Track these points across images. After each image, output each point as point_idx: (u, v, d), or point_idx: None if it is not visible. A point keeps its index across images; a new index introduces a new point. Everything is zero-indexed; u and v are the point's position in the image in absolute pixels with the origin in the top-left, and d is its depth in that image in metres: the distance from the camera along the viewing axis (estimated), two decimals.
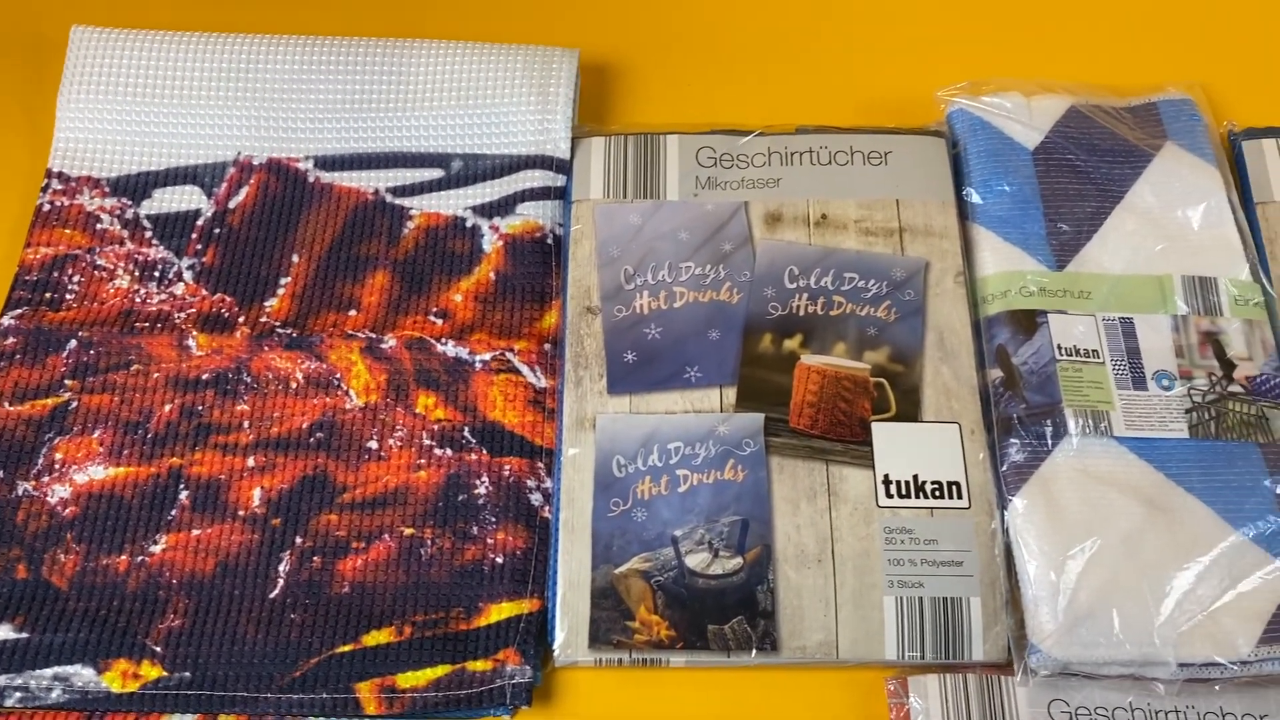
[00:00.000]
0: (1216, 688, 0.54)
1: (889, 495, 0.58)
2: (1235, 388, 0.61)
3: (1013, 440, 0.59)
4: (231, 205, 0.67)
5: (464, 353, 0.62)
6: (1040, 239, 0.65)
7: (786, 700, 0.56)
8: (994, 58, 0.74)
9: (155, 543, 0.58)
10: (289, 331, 0.63)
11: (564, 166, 0.67)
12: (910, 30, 0.76)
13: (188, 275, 0.65)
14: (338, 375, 0.62)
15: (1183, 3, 0.77)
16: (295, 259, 0.66)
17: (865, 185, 0.66)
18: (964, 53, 0.74)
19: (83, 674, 0.54)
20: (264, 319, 0.63)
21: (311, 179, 0.68)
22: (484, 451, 0.60)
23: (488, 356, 0.62)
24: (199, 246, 0.66)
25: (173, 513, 0.58)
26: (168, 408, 0.61)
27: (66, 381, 0.61)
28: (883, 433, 0.59)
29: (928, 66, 0.72)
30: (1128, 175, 0.66)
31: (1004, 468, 0.59)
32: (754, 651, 0.55)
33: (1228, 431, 0.60)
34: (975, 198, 0.66)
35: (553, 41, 0.70)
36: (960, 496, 0.58)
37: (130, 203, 0.67)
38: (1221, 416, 0.60)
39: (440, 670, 0.55)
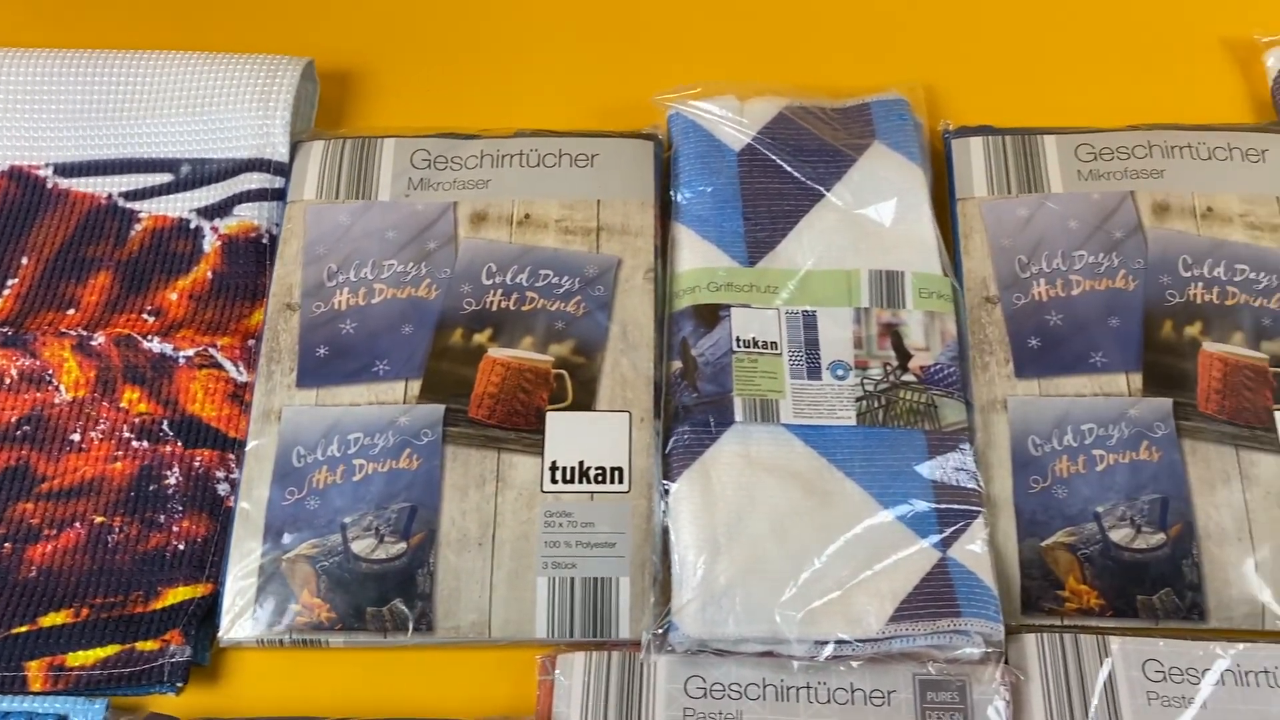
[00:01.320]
0: (844, 666, 0.56)
1: (554, 481, 0.60)
2: (908, 377, 0.63)
3: (681, 428, 0.61)
4: None
5: (169, 349, 0.65)
6: (737, 236, 0.67)
7: (444, 679, 0.58)
8: (725, 61, 0.77)
9: None
10: (6, 330, 0.66)
11: (283, 169, 0.69)
12: (641, 36, 0.79)
13: None
14: (50, 371, 0.64)
15: (914, 5, 0.80)
16: (24, 261, 0.68)
17: (569, 186, 0.68)
18: (694, 57, 0.77)
19: None
20: None
21: (50, 185, 0.71)
22: (179, 443, 0.63)
23: (191, 352, 0.65)
24: None
25: None
26: None
27: None
28: (556, 421, 0.62)
29: (659, 71, 0.75)
30: (830, 175, 0.69)
31: (670, 454, 0.61)
32: (409, 632, 0.57)
33: (895, 419, 0.62)
34: (679, 198, 0.68)
35: (306, 51, 0.73)
36: (621, 481, 0.60)
37: None
38: (891, 404, 0.62)
39: (110, 650, 0.57)
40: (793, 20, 0.79)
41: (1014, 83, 0.76)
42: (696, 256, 0.66)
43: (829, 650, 0.56)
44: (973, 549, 0.58)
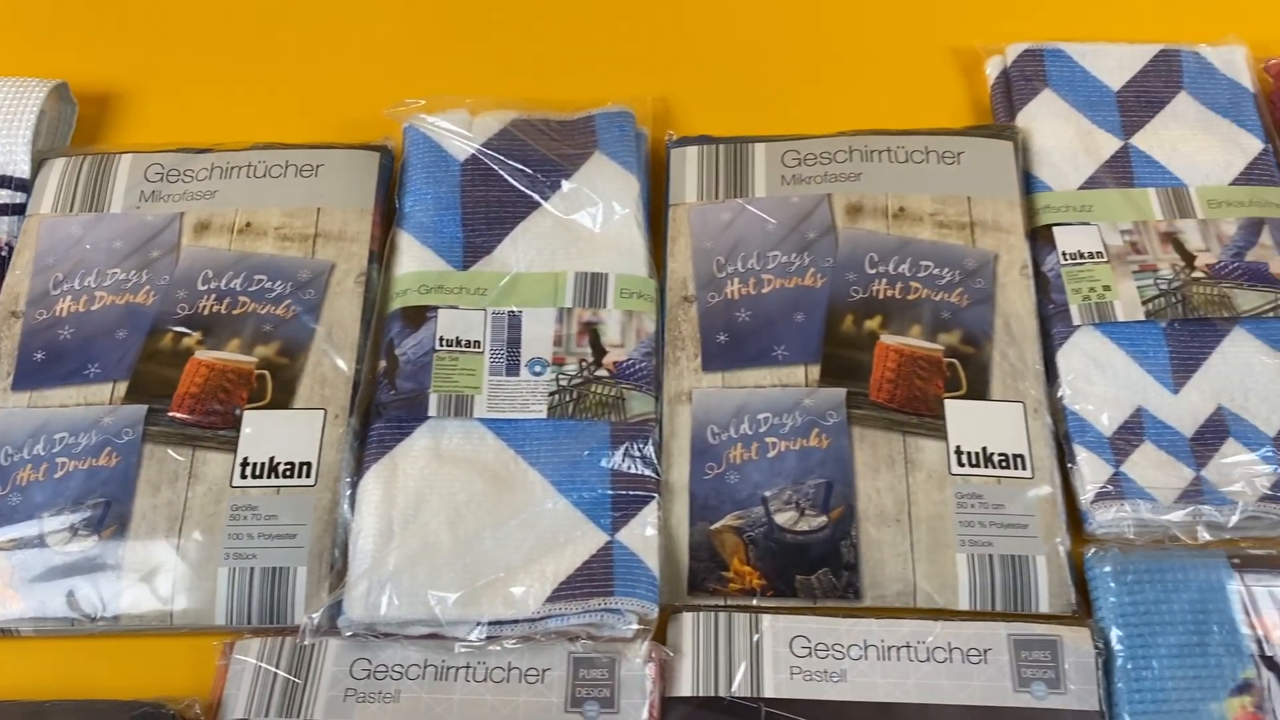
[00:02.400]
0: (502, 646, 0.58)
1: (244, 476, 0.63)
2: (602, 372, 0.66)
3: (377, 424, 0.64)
4: None
5: None
6: (454, 242, 0.70)
7: (128, 666, 0.60)
8: (469, 77, 0.81)
9: None
10: None
11: (24, 185, 0.72)
12: (384, 53, 0.82)
13: None
14: None
15: (655, 20, 0.83)
16: None
17: (292, 195, 0.71)
18: (440, 72, 0.81)
19: None
20: None
21: None
22: None
23: None
24: None
25: None
26: None
27: None
28: (252, 419, 0.64)
29: (403, 87, 0.78)
30: (548, 184, 0.72)
31: (366, 449, 0.64)
32: (96, 621, 0.60)
33: (584, 411, 0.65)
34: (403, 206, 0.71)
35: (70, 74, 0.77)
36: (309, 476, 0.63)
37: None
38: (582, 398, 0.65)
39: None
40: (542, 36, 0.83)
41: (749, 94, 0.80)
42: (413, 261, 0.69)
43: (481, 631, 0.58)
44: (641, 533, 0.61)
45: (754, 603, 0.60)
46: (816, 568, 0.61)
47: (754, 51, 0.82)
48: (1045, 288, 0.68)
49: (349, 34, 0.83)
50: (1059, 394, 0.65)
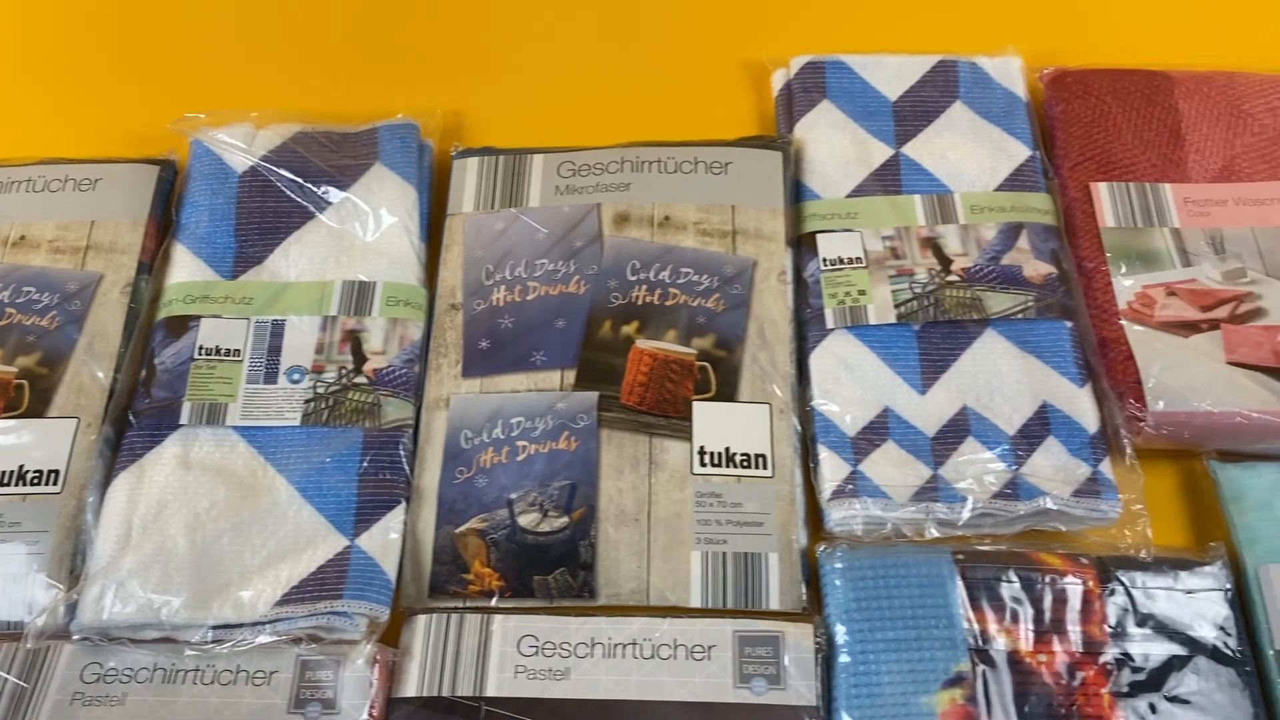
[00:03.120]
0: (229, 649, 0.58)
1: None
2: (360, 379, 0.67)
3: (131, 433, 0.65)
4: None
5: None
6: (226, 252, 0.71)
7: None
8: (265, 89, 0.82)
9: None
10: None
11: None
12: (173, 68, 0.83)
13: None
14: None
15: (453, 32, 0.85)
16: None
17: (68, 209, 0.72)
18: (236, 86, 0.82)
19: None
20: None
21: None
22: None
23: None
24: None
25: None
26: None
27: None
28: (5, 428, 0.65)
29: (193, 98, 0.79)
30: (325, 195, 0.73)
31: (119, 457, 0.64)
32: None
33: (339, 418, 0.65)
34: (180, 217, 0.72)
35: None
36: (55, 484, 0.63)
37: None
38: (337, 405, 0.66)
39: None
40: (340, 50, 0.84)
41: (545, 107, 0.81)
42: (183, 271, 0.70)
43: (207, 634, 0.58)
44: (383, 538, 0.62)
45: (493, 604, 0.61)
46: (554, 568, 0.61)
47: (552, 65, 0.83)
48: (805, 293, 0.70)
49: (144, 47, 0.84)
50: (809, 396, 0.66)
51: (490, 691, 0.57)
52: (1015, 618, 0.58)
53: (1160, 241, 0.70)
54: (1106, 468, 0.63)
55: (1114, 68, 0.76)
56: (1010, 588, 0.59)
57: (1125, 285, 0.68)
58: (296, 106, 0.79)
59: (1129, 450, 0.64)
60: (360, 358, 0.67)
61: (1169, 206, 0.71)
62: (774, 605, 0.60)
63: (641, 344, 0.67)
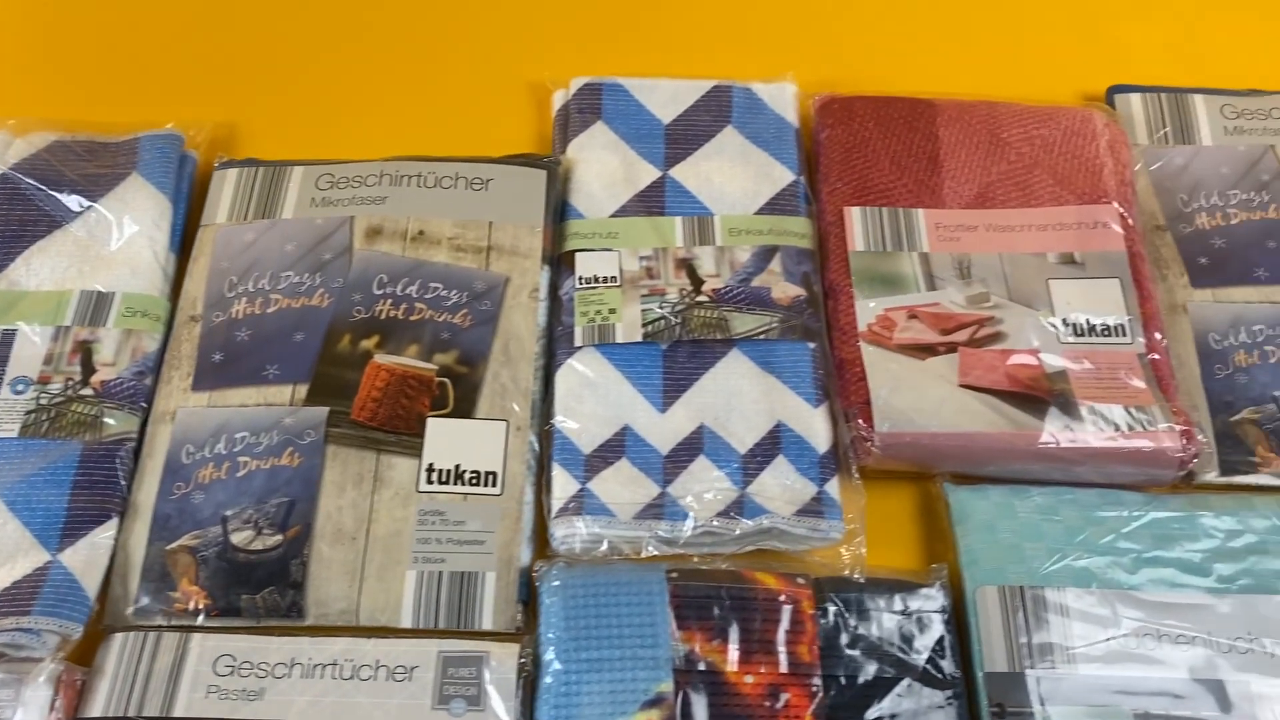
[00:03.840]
0: None
1: None
2: (86, 390, 0.65)
3: None
4: None
5: None
6: None
7: None
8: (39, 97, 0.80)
9: None
10: None
11: None
12: None
13: None
14: None
15: (232, 44, 0.84)
16: None
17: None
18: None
19: None
20: None
21: None
22: None
23: None
24: None
25: None
26: None
27: None
28: None
29: None
30: (75, 204, 0.71)
31: None
32: None
33: (58, 430, 0.63)
34: None
35: None
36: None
37: None
38: (59, 417, 0.64)
39: None
40: (113, 58, 0.83)
41: (328, 121, 0.80)
42: None
43: None
44: (87, 552, 0.60)
45: (198, 622, 0.59)
46: (263, 587, 0.60)
47: (338, 80, 0.82)
48: (559, 311, 0.69)
49: None
50: (552, 413, 0.66)
51: (178, 712, 0.55)
52: (724, 637, 0.58)
53: (908, 266, 0.70)
54: (833, 488, 0.63)
55: (882, 95, 0.77)
56: (721, 606, 0.58)
57: (868, 307, 0.68)
58: (65, 115, 0.77)
59: (854, 471, 0.64)
60: (89, 369, 0.65)
61: (920, 231, 0.71)
62: (487, 625, 0.59)
63: (380, 359, 0.66)
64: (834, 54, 0.84)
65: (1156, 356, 0.67)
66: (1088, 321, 0.68)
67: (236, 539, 0.61)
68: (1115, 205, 0.72)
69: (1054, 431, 0.63)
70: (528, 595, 0.61)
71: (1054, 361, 0.66)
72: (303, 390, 0.65)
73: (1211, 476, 0.66)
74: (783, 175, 0.75)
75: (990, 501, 0.63)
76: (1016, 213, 0.72)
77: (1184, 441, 0.63)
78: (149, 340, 0.67)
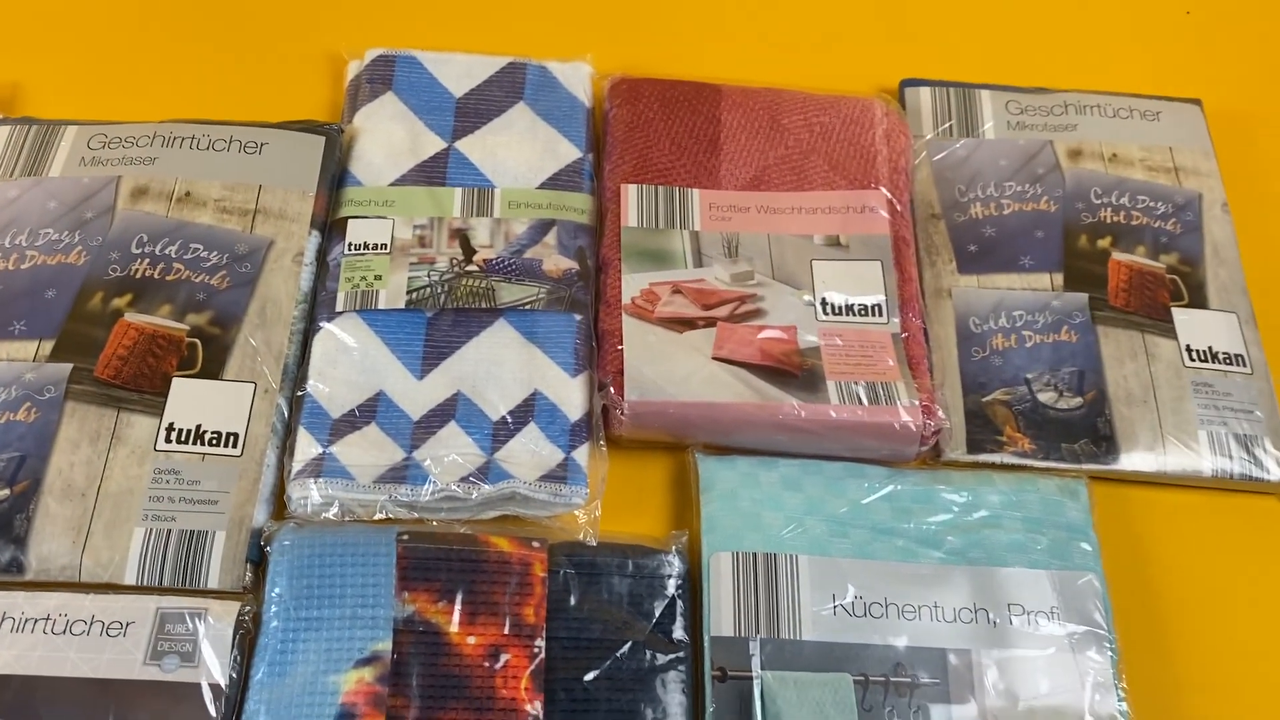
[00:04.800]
0: None
1: None
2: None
3: None
4: None
5: None
6: None
7: None
8: None
9: None
10: None
11: None
12: None
13: None
14: None
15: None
16: None
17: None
18: None
19: None
20: None
21: None
22: None
23: None
24: None
25: None
26: None
27: None
28: None
29: None
30: None
31: None
32: None
33: None
34: None
35: None
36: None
37: None
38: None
39: None
40: None
41: (121, 84, 0.79)
42: None
43: None
44: None
45: None
46: None
47: (133, 42, 0.81)
48: (325, 276, 0.69)
49: None
50: (305, 377, 0.65)
51: None
52: (450, 598, 0.58)
53: (678, 243, 0.71)
54: (581, 455, 0.64)
55: (671, 79, 0.78)
56: (450, 568, 0.58)
57: (634, 281, 0.69)
58: None
59: (602, 440, 0.64)
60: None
61: (693, 210, 0.72)
62: (214, 584, 0.59)
63: (130, 317, 0.65)
64: (638, 38, 0.85)
65: (909, 336, 0.68)
66: (845, 301, 0.69)
67: None
68: (884, 191, 0.73)
69: (797, 404, 0.64)
70: (260, 558, 0.60)
71: (808, 338, 0.67)
72: (48, 346, 0.64)
73: (959, 454, 0.67)
74: (569, 152, 0.75)
75: (736, 471, 0.64)
76: (787, 196, 0.73)
77: (924, 418, 0.65)
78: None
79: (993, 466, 0.67)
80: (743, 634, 0.58)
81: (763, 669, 0.58)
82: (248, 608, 0.57)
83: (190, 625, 0.56)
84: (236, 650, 0.56)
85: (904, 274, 0.71)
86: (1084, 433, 0.68)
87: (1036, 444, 0.67)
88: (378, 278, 0.68)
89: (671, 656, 0.58)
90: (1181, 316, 0.72)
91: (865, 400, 0.65)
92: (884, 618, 0.60)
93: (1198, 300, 0.73)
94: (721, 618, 0.59)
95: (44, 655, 0.55)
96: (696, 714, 0.57)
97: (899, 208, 0.73)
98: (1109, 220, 0.76)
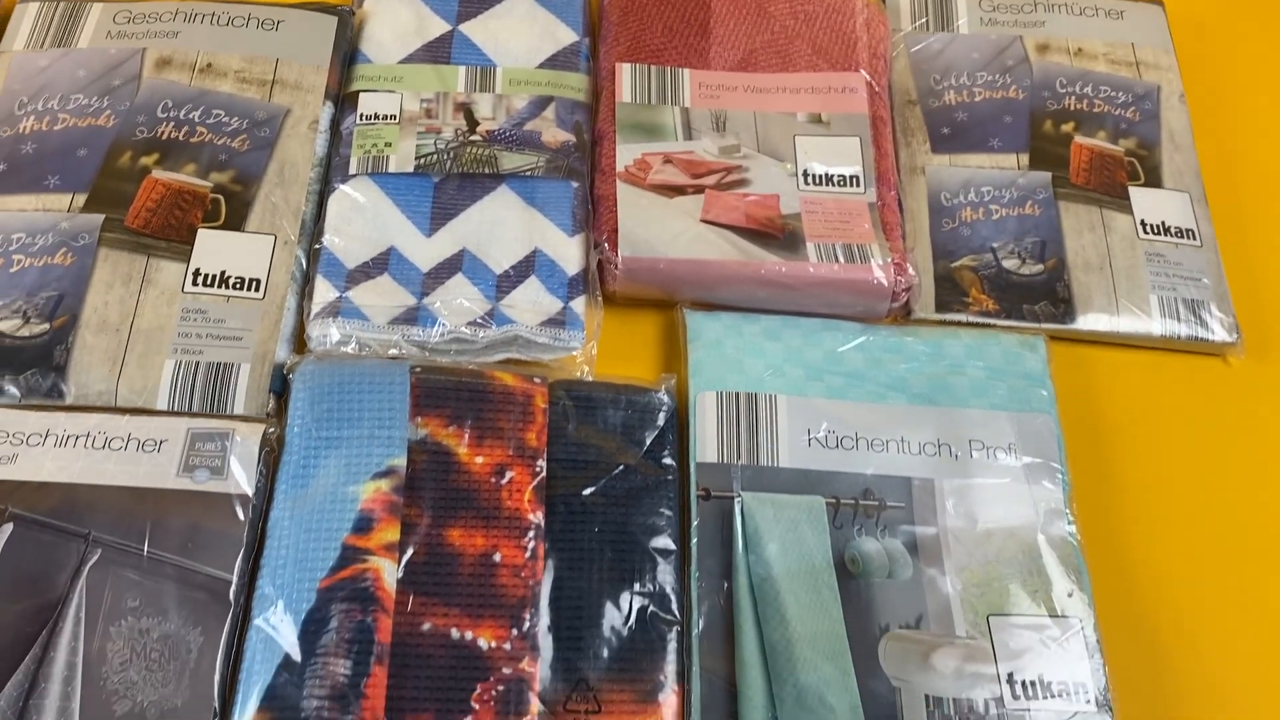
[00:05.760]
0: None
1: None
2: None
3: None
4: None
5: None
6: None
7: None
8: None
9: None
10: None
11: None
12: None
13: None
14: None
15: None
16: None
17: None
18: None
19: None
20: None
21: None
22: None
23: None
24: None
25: None
26: None
27: None
28: None
29: None
30: None
31: None
32: None
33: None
34: None
35: None
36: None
37: None
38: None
39: None
40: None
41: None
42: None
43: None
44: None
45: None
46: (26, 369, 0.63)
47: None
48: (338, 144, 0.74)
49: None
50: (321, 233, 0.70)
51: None
52: (459, 424, 0.63)
53: (669, 117, 0.76)
54: (578, 305, 0.69)
55: None
56: (459, 398, 0.63)
57: (628, 151, 0.74)
58: None
59: (598, 293, 0.69)
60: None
61: (684, 88, 0.77)
62: (239, 410, 0.64)
63: (157, 174, 0.70)
64: None
65: (884, 205, 0.73)
66: (825, 172, 0.74)
67: (4, 326, 0.64)
68: (863, 74, 0.78)
69: (779, 260, 0.70)
70: (282, 389, 0.65)
71: (790, 205, 0.73)
72: (81, 199, 0.69)
73: (928, 313, 0.73)
74: (566, 35, 0.80)
75: (721, 323, 0.69)
76: (773, 76, 0.78)
77: (896, 274, 0.70)
78: None
79: (959, 325, 0.73)
80: (725, 461, 0.64)
81: (743, 490, 0.63)
82: (272, 429, 0.62)
83: (219, 443, 0.61)
84: (262, 465, 0.61)
85: (880, 149, 0.76)
86: (1044, 295, 0.73)
87: (1000, 305, 0.73)
88: (388, 144, 0.73)
89: (660, 479, 0.63)
90: (1138, 195, 0.78)
91: (842, 259, 0.70)
92: (854, 450, 0.65)
93: (1153, 181, 0.78)
94: (706, 447, 0.64)
95: (85, 466, 0.60)
96: (683, 529, 0.63)
97: (877, 89, 0.78)
98: (1072, 108, 0.81)
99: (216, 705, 0.55)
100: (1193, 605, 0.66)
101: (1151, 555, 0.67)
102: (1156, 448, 0.71)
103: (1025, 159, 0.78)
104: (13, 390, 0.63)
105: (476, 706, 0.56)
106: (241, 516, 0.59)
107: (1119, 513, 0.68)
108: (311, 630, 0.56)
